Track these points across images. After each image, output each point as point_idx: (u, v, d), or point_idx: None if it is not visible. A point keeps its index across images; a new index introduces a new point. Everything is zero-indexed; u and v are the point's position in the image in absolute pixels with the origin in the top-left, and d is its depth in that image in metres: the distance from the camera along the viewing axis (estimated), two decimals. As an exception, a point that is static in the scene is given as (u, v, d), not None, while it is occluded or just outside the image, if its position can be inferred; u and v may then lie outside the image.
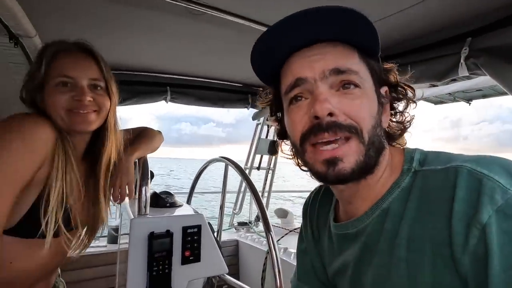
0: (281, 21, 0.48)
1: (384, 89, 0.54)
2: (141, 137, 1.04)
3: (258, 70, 0.57)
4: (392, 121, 0.57)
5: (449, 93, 2.24)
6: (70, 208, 0.78)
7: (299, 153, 0.53)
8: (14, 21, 0.84)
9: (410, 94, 0.57)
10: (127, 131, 1.04)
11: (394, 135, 0.57)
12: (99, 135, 0.85)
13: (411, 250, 0.44)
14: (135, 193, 0.94)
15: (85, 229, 0.89)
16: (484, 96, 2.30)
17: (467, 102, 2.44)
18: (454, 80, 1.70)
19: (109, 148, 0.86)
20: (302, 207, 0.75)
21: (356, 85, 0.48)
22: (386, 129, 0.56)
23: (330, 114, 0.47)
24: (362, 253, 0.53)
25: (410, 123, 0.57)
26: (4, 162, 0.63)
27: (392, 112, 0.57)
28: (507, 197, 0.38)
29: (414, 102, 0.57)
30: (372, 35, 0.49)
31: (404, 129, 0.57)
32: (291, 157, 0.60)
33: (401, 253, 0.45)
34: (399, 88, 0.56)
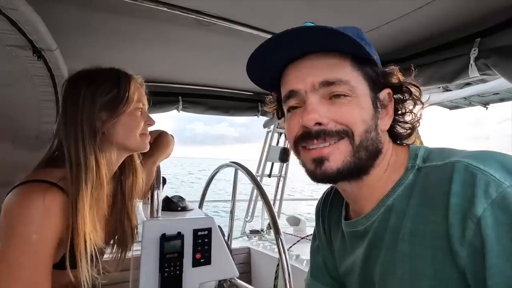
0: (272, 37, 0.51)
1: (385, 92, 0.55)
2: (159, 144, 1.09)
3: (258, 80, 0.61)
4: (400, 122, 0.58)
5: (464, 97, 2.19)
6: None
7: (295, 155, 0.57)
8: (37, 36, 0.90)
9: (416, 93, 0.57)
10: None
11: (401, 135, 0.58)
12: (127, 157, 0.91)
13: (413, 245, 0.46)
14: (148, 198, 0.97)
15: (115, 245, 0.92)
16: (502, 99, 2.24)
17: (484, 106, 2.37)
18: (469, 84, 1.67)
19: (140, 169, 0.94)
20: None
21: (346, 95, 0.50)
22: (394, 130, 0.57)
23: (319, 124, 0.49)
24: (370, 251, 0.54)
25: (418, 123, 0.58)
26: (31, 241, 0.64)
27: (399, 112, 0.58)
28: (501, 190, 0.39)
29: (421, 102, 0.58)
30: (357, 46, 0.49)
31: (413, 129, 0.58)
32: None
33: (404, 248, 0.47)
34: (404, 89, 0.57)
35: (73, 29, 1.22)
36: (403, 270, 0.46)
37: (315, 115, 0.49)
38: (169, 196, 1.11)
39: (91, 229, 0.73)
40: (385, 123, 0.55)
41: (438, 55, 1.21)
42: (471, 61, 1.09)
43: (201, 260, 0.91)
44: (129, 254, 1.47)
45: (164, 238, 0.85)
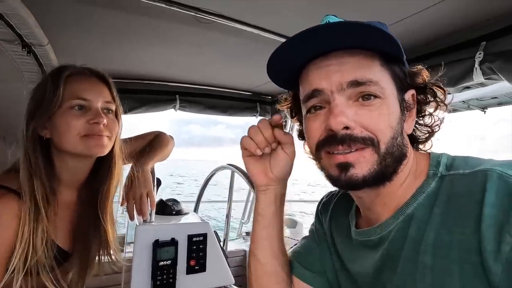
0: (298, 33, 0.48)
1: (410, 93, 0.52)
2: (155, 144, 1.03)
3: (275, 77, 0.57)
4: (420, 124, 0.55)
5: (463, 101, 2.18)
6: (57, 245, 0.77)
7: (315, 159, 0.54)
8: (27, 30, 0.86)
9: (440, 95, 0.55)
10: (140, 137, 1.04)
11: (420, 139, 0.56)
12: (102, 160, 0.83)
13: (437, 257, 0.42)
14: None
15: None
16: (500, 104, 2.23)
17: (482, 110, 2.37)
18: (468, 88, 1.66)
19: (116, 174, 0.85)
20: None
21: (376, 96, 0.47)
22: (413, 133, 0.55)
23: (346, 128, 0.46)
24: (385, 261, 0.51)
25: (439, 127, 0.55)
26: None
27: (420, 115, 0.55)
28: None
29: (445, 104, 0.55)
30: (391, 43, 0.47)
31: (432, 133, 0.56)
32: (313, 158, 0.59)
33: (426, 260, 0.43)
34: (427, 90, 0.54)
35: (65, 23, 1.18)
36: (424, 284, 0.43)
37: (344, 119, 0.46)
38: (164, 199, 1.07)
39: (41, 238, 0.70)
40: (409, 126, 0.52)
41: (443, 58, 1.19)
42: (476, 65, 1.07)
43: (196, 267, 0.88)
44: (121, 256, 1.43)
45: (157, 244, 0.81)
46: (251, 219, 2.74)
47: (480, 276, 0.38)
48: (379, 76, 0.48)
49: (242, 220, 2.72)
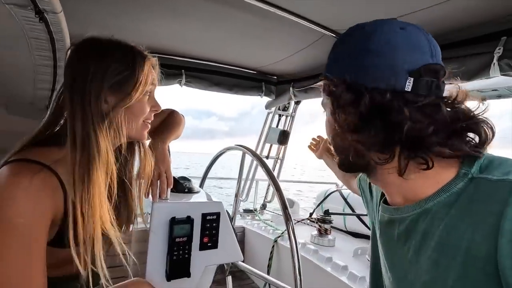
0: None
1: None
2: (171, 122, 1.03)
3: None
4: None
5: (465, 92, 2.18)
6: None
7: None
8: (42, -5, 0.81)
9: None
10: (156, 114, 1.03)
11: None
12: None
13: (444, 256, 0.44)
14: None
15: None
16: (499, 96, 2.24)
17: (481, 102, 2.38)
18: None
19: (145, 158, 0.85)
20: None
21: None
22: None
23: None
24: (397, 244, 0.54)
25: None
26: (17, 224, 0.58)
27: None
28: None
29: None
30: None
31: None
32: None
33: (433, 256, 0.46)
34: None
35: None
36: (429, 276, 0.46)
37: None
38: (175, 177, 1.08)
39: (102, 214, 0.67)
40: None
41: (460, 51, 1.18)
42: (494, 60, 1.06)
43: (208, 244, 0.91)
44: (130, 228, 1.46)
45: (173, 222, 0.84)
46: (250, 198, 2.78)
47: (489, 285, 0.38)
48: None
49: (240, 198, 2.78)
